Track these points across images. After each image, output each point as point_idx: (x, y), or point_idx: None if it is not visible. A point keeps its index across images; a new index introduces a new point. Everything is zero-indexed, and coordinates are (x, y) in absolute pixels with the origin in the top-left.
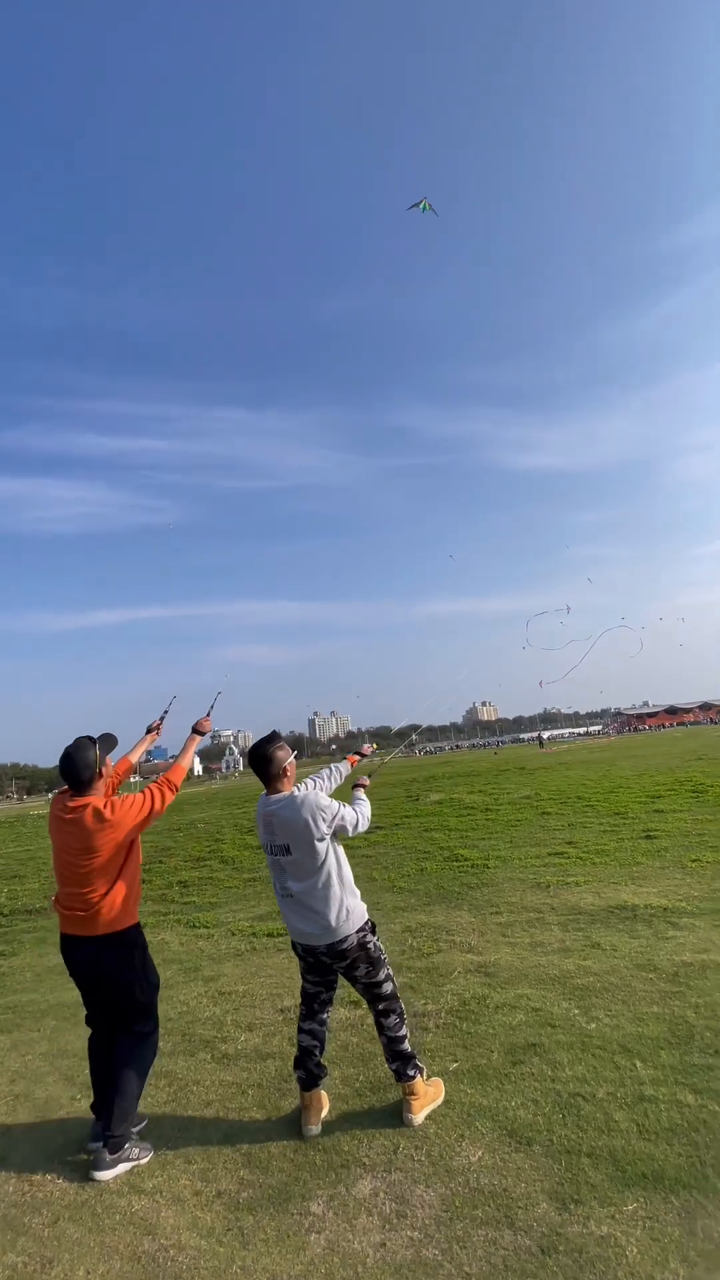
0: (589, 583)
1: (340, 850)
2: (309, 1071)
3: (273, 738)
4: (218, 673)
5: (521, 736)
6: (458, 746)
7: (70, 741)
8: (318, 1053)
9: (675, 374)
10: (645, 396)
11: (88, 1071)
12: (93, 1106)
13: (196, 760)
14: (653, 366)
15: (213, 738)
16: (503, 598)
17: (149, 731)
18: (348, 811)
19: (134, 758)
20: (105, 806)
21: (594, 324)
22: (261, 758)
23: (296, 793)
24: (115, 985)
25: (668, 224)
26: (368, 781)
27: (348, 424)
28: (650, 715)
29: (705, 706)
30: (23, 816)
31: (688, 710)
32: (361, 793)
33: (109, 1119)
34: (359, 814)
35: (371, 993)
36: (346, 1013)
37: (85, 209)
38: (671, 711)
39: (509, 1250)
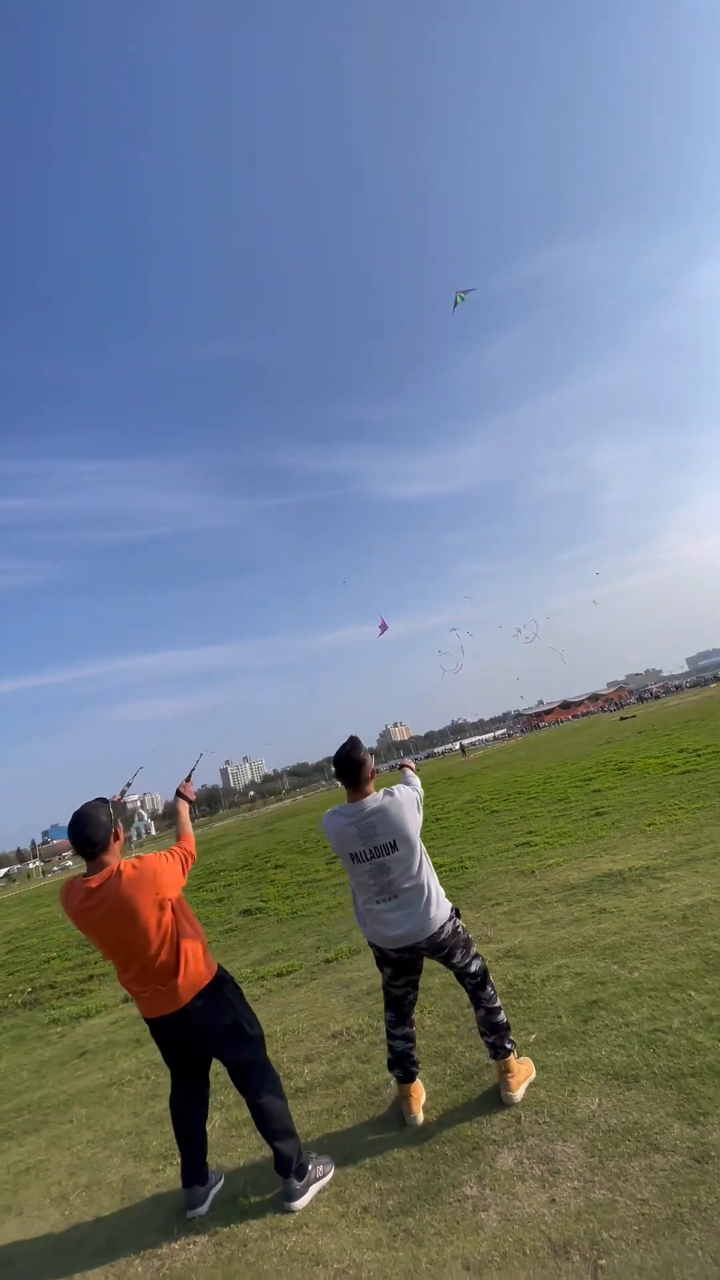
0: (467, 599)
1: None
2: (405, 1070)
3: (356, 744)
4: (123, 735)
5: (435, 751)
6: (375, 771)
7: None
8: (413, 1053)
9: (518, 403)
10: (496, 425)
11: (154, 1143)
12: (184, 1172)
13: None
14: (499, 397)
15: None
16: (400, 619)
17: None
18: (413, 791)
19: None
20: (134, 864)
21: (443, 361)
22: (354, 763)
23: (386, 790)
24: (222, 1033)
25: (501, 264)
26: (412, 764)
27: (221, 467)
28: (546, 712)
29: (594, 697)
30: None
31: (579, 703)
32: (409, 771)
33: (281, 1158)
34: (416, 789)
35: (466, 972)
36: None
37: None
38: (565, 706)
39: (667, 1170)
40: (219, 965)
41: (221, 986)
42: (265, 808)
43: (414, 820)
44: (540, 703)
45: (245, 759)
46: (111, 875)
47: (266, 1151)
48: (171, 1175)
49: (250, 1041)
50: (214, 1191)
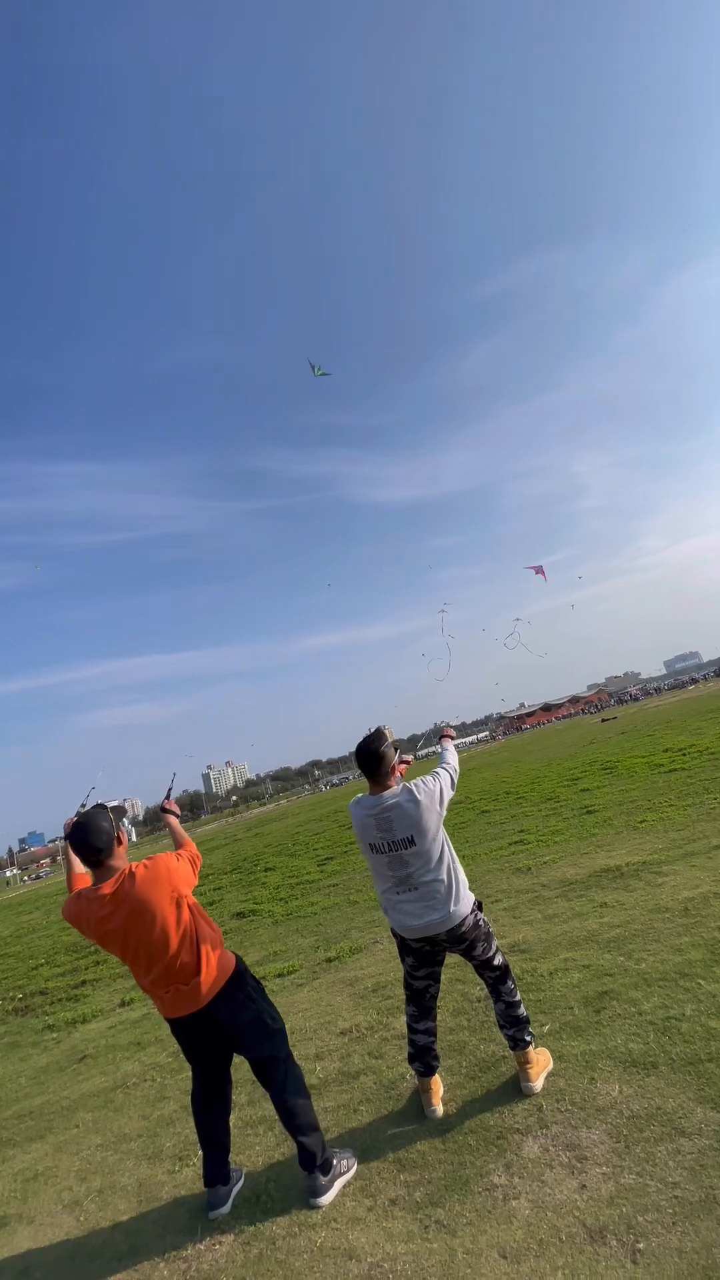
0: (446, 605)
1: (446, 834)
2: (426, 1065)
3: (380, 736)
4: (102, 740)
5: (418, 753)
6: (360, 775)
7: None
8: (435, 1047)
9: (498, 409)
10: (476, 431)
11: (168, 1145)
12: (206, 1171)
13: None
14: (479, 403)
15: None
16: (381, 624)
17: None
18: (443, 781)
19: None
20: (145, 863)
21: (423, 367)
22: (375, 755)
23: (407, 785)
24: (245, 1029)
25: (482, 272)
26: (453, 732)
27: (202, 470)
28: (528, 715)
29: (574, 700)
30: None
31: (559, 705)
32: (449, 742)
33: (305, 1153)
34: (449, 771)
35: (487, 965)
36: None
37: None
38: (546, 709)
39: (695, 1153)
40: (237, 958)
41: (242, 982)
42: (249, 812)
43: (433, 816)
44: (521, 705)
45: (228, 763)
46: (124, 878)
47: (285, 1148)
48: (189, 1176)
49: (273, 1036)
50: (236, 1190)
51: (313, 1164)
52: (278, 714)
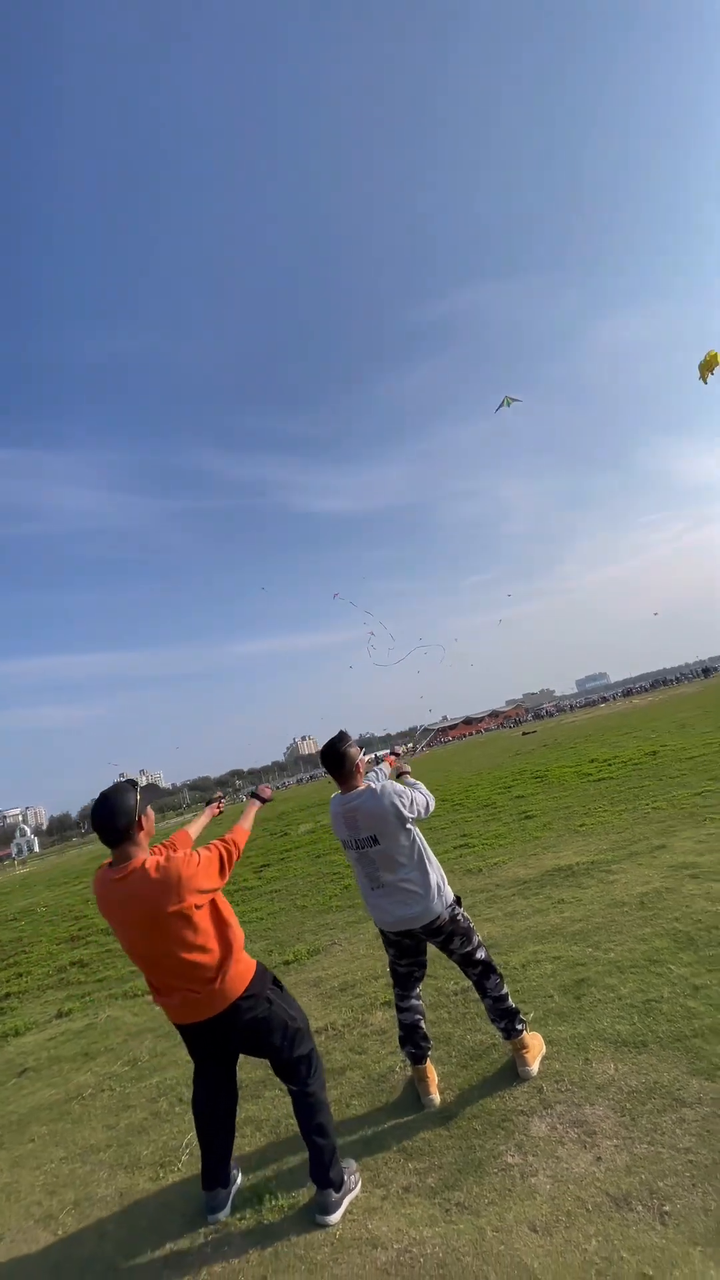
0: (366, 622)
1: (420, 833)
2: (417, 1046)
3: (343, 737)
4: (5, 743)
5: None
6: (284, 785)
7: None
8: (423, 1025)
9: (439, 429)
10: (415, 449)
11: (145, 1152)
12: (205, 1174)
13: None
14: (419, 422)
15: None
16: (313, 632)
17: (208, 803)
18: (418, 795)
19: (193, 831)
20: (159, 863)
21: (367, 383)
22: (337, 755)
23: (374, 785)
24: (265, 1033)
25: (425, 298)
26: (409, 768)
27: (131, 465)
28: (451, 728)
29: (494, 714)
30: None
31: (480, 719)
32: (411, 779)
33: (316, 1159)
34: (426, 796)
35: (469, 961)
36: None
37: None
38: (468, 722)
39: (699, 1120)
40: (256, 963)
41: (262, 985)
42: (165, 823)
43: (397, 815)
44: (444, 718)
45: (142, 771)
46: (134, 871)
47: (281, 1146)
48: (175, 1183)
49: (295, 1036)
50: (234, 1192)
51: (325, 1172)
52: (198, 721)
